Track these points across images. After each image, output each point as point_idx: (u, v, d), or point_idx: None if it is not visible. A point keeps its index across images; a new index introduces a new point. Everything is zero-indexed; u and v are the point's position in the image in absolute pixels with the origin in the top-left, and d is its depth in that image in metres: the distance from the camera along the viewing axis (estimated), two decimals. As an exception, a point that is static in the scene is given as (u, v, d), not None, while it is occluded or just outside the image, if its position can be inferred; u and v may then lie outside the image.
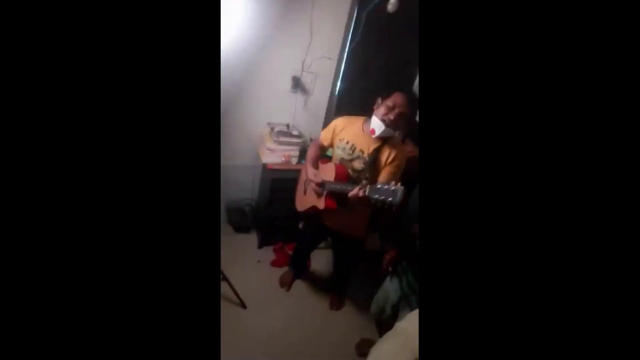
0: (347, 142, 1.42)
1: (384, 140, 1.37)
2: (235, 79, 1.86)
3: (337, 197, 1.40)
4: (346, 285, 1.98)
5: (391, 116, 1.30)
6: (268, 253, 2.23)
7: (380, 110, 1.32)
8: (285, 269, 2.11)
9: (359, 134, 1.41)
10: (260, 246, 2.26)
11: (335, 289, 2.00)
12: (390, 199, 1.09)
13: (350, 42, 1.96)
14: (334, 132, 1.48)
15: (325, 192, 1.42)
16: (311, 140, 2.09)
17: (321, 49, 1.95)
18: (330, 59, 2.00)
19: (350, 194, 1.22)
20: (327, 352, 1.74)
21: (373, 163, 1.37)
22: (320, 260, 2.24)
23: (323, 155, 1.60)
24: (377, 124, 1.33)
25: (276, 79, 1.98)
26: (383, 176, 1.36)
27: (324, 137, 1.52)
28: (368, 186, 1.18)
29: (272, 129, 2.04)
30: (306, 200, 1.58)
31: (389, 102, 1.30)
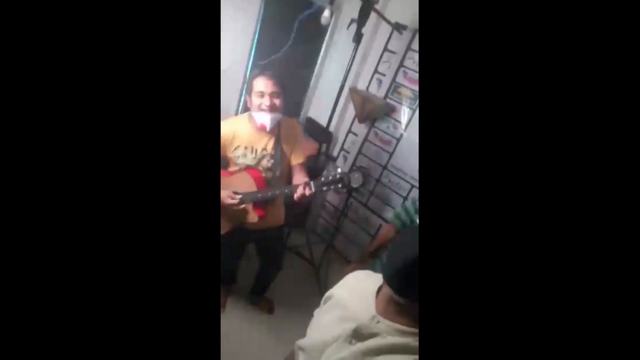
0: (245, 148, 1.37)
1: (277, 127, 1.37)
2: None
3: (262, 202, 1.40)
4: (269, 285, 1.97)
5: (266, 102, 1.27)
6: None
7: (254, 102, 1.29)
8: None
9: (252, 134, 1.37)
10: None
11: (263, 291, 1.98)
12: (352, 184, 1.17)
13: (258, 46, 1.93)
14: (222, 143, 1.39)
15: (251, 204, 1.38)
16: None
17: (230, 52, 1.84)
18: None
19: (297, 196, 1.23)
20: None
21: (280, 154, 1.38)
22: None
23: None
24: (261, 117, 1.29)
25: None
26: (295, 158, 1.42)
27: None
28: (311, 182, 1.22)
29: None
30: (222, 220, 1.47)
31: (256, 90, 1.28)
